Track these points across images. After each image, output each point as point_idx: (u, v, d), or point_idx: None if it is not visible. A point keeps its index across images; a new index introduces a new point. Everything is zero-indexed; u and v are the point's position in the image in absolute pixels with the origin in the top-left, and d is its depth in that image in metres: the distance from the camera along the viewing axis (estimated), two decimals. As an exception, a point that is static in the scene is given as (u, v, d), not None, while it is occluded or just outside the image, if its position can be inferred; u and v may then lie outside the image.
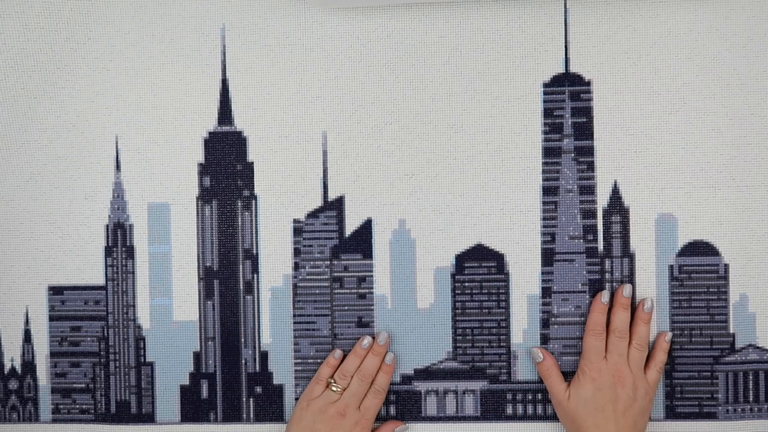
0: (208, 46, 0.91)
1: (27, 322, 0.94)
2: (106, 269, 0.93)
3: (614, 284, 0.90)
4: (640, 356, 0.87)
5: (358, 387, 0.89)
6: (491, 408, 0.91)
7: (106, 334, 0.94)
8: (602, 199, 0.90)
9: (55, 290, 0.94)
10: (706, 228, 0.89)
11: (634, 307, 0.89)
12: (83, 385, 0.94)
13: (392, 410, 0.92)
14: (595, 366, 0.86)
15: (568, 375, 0.90)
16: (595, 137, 0.90)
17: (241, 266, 0.93)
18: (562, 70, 0.89)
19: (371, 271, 0.92)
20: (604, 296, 0.88)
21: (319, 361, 0.92)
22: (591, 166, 0.90)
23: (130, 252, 0.93)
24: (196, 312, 0.93)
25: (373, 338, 0.91)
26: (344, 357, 0.91)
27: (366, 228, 0.92)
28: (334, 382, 0.89)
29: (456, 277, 0.91)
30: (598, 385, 0.85)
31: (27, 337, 0.94)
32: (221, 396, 0.93)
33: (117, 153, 0.93)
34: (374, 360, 0.90)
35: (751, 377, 0.89)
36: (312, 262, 0.92)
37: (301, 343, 0.92)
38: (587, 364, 0.87)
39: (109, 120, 0.93)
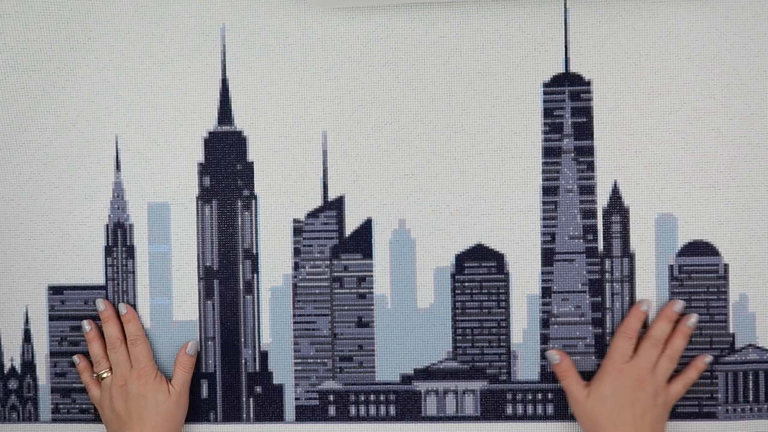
0: (208, 46, 0.91)
1: (27, 321, 0.94)
2: (106, 269, 0.93)
3: (614, 284, 0.90)
4: (668, 367, 0.86)
5: (117, 355, 0.90)
6: (491, 408, 0.91)
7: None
8: (602, 199, 0.90)
9: (55, 290, 0.94)
10: (706, 228, 0.89)
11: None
12: (83, 385, 0.94)
13: (392, 410, 0.92)
14: (617, 366, 0.86)
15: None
16: (595, 137, 0.90)
17: (241, 266, 0.93)
18: (562, 70, 0.89)
19: (371, 271, 0.92)
20: (644, 305, 0.88)
21: (318, 360, 0.92)
22: (591, 166, 0.90)
23: (130, 252, 0.93)
24: (196, 312, 0.93)
25: (89, 323, 0.92)
26: (85, 354, 0.93)
27: (366, 228, 0.92)
28: (98, 374, 0.91)
29: (456, 277, 0.91)
30: (618, 385, 0.85)
31: (27, 337, 0.94)
32: (221, 396, 0.93)
33: (117, 153, 0.93)
34: (110, 326, 0.91)
35: (750, 377, 0.89)
36: (312, 262, 0.92)
37: (301, 343, 0.92)
38: (610, 363, 0.86)
39: (109, 120, 0.93)
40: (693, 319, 0.88)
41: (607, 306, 0.90)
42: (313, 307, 0.92)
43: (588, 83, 0.89)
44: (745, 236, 0.89)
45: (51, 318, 0.94)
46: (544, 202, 0.90)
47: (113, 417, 0.89)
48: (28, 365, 0.94)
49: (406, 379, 0.92)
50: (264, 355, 0.93)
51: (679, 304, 0.88)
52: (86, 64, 0.92)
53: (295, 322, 0.92)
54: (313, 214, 0.92)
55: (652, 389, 0.85)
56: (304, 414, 0.93)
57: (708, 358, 0.88)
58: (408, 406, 0.92)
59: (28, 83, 0.93)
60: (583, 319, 0.90)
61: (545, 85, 0.90)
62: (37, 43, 0.92)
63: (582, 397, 0.86)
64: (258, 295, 0.93)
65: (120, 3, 0.92)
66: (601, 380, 0.86)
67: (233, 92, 0.92)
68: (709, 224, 0.89)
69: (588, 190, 0.90)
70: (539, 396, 0.91)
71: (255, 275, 0.93)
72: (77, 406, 0.94)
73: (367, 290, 0.92)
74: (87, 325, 0.92)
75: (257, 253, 0.92)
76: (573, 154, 0.90)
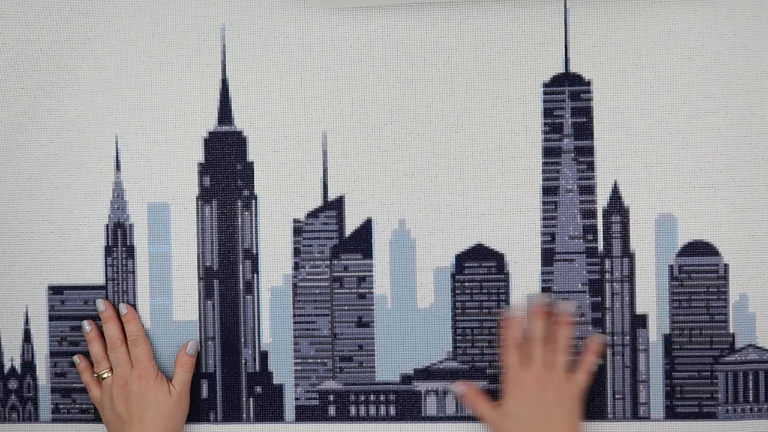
0: (208, 46, 0.91)
1: (27, 321, 0.94)
2: (106, 269, 0.93)
3: (614, 284, 0.90)
4: (561, 359, 0.86)
5: (118, 355, 0.90)
6: (491, 408, 0.91)
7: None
8: (602, 199, 0.90)
9: (55, 290, 0.94)
10: (706, 228, 0.89)
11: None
12: (83, 385, 0.94)
13: (392, 410, 0.92)
14: (516, 379, 0.86)
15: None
16: (595, 137, 0.90)
17: (241, 266, 0.93)
18: (562, 70, 0.89)
19: (371, 271, 0.92)
20: (506, 313, 0.89)
21: (318, 360, 0.92)
22: (591, 166, 0.90)
23: (130, 252, 0.93)
24: (196, 312, 0.93)
25: (89, 323, 0.92)
26: (85, 354, 0.93)
27: (366, 228, 0.92)
28: (98, 374, 0.91)
29: (456, 277, 0.91)
30: (522, 398, 0.85)
31: (27, 337, 0.94)
32: (221, 396, 0.93)
33: (117, 153, 0.93)
34: (111, 326, 0.91)
35: (750, 377, 0.89)
36: (312, 262, 0.92)
37: (301, 343, 0.92)
38: (508, 379, 0.87)
39: (109, 120, 0.93)
40: (566, 306, 0.88)
41: (607, 306, 0.90)
42: (313, 307, 0.92)
43: (588, 83, 0.89)
44: (745, 236, 0.89)
45: (51, 318, 0.94)
46: (544, 202, 0.90)
47: (114, 417, 0.89)
48: (28, 365, 0.94)
49: (406, 379, 0.92)
50: (264, 355, 0.93)
51: (536, 298, 0.88)
52: (86, 64, 0.92)
53: (295, 322, 0.92)
54: (313, 214, 0.92)
55: (555, 388, 0.85)
56: (304, 414, 0.93)
57: (599, 337, 0.88)
58: (408, 406, 0.92)
59: (28, 83, 0.93)
60: (583, 319, 0.90)
61: (545, 85, 0.90)
62: (37, 43, 0.92)
63: (495, 419, 0.86)
64: (258, 295, 0.93)
65: (120, 3, 0.92)
66: (505, 398, 0.86)
67: (233, 92, 0.92)
68: (709, 224, 0.89)
69: (588, 190, 0.90)
70: (539, 396, 0.91)
71: (255, 275, 0.93)
72: (77, 406, 0.94)
73: (367, 290, 0.92)
74: (87, 326, 0.92)
75: (257, 253, 0.92)
76: (573, 154, 0.90)
